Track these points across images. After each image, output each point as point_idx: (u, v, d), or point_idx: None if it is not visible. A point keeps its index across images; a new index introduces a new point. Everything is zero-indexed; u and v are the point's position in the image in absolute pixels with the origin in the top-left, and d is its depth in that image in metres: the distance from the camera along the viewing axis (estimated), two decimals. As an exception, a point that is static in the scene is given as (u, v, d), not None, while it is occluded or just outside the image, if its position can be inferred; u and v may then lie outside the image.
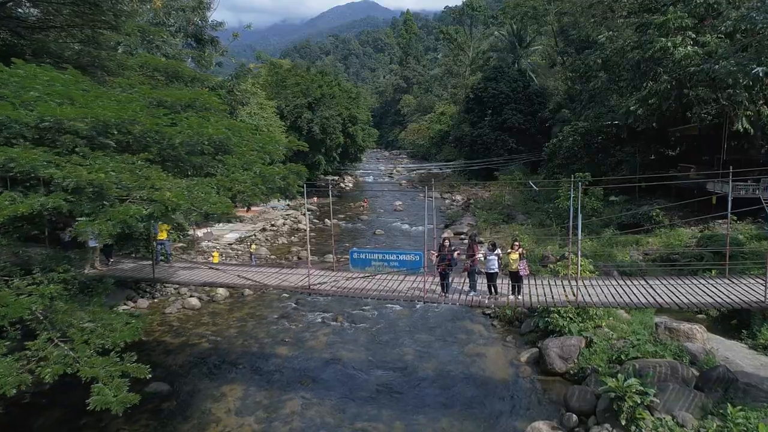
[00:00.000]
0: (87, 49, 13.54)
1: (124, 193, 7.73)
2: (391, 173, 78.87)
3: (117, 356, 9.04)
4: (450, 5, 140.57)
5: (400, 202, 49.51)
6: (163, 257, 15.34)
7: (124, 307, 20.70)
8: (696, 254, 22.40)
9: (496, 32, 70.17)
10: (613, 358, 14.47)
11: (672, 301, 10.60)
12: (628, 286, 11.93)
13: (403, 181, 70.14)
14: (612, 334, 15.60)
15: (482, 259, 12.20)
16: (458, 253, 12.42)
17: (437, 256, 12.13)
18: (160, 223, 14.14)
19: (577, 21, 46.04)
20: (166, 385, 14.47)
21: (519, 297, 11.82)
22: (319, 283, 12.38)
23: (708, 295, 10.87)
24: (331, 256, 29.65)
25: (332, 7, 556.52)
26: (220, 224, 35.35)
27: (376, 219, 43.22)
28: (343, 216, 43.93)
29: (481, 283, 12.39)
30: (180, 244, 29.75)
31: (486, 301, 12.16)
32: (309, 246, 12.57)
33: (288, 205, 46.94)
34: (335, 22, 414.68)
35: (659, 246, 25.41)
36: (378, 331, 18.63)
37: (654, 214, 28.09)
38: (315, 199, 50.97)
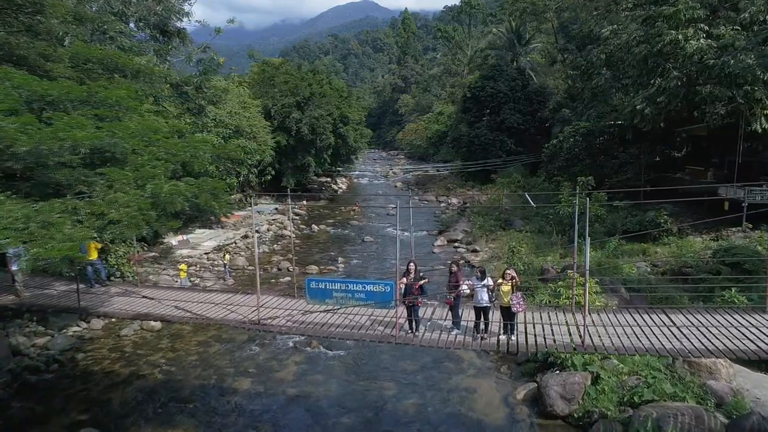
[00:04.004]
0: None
1: None
2: (387, 174, 76.86)
3: None
4: (449, 4, 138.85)
5: (394, 206, 47.32)
6: (97, 281, 13.21)
7: (76, 328, 18.61)
8: (711, 268, 20.28)
9: (494, 30, 68.02)
10: (624, 399, 12.36)
11: (704, 347, 8.46)
12: (647, 324, 9.77)
13: (399, 183, 68.14)
14: (622, 368, 13.46)
15: (467, 290, 10.06)
16: (419, 285, 10.21)
17: (404, 285, 10.01)
18: (88, 241, 12.03)
19: (578, 16, 44.04)
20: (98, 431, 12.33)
21: (512, 338, 9.69)
22: (270, 318, 10.28)
23: (747, 338, 8.72)
24: (314, 267, 27.61)
25: (332, 7, 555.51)
26: (199, 230, 33.29)
27: (367, 224, 41.05)
28: (332, 221, 41.77)
29: (467, 319, 10.25)
30: (152, 254, 27.68)
31: (472, 343, 9.99)
32: (258, 271, 10.42)
33: (276, 209, 44.85)
34: (335, 21, 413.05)
35: (669, 256, 23.27)
36: (356, 358, 16.48)
37: (662, 220, 25.95)
38: (304, 202, 48.94)
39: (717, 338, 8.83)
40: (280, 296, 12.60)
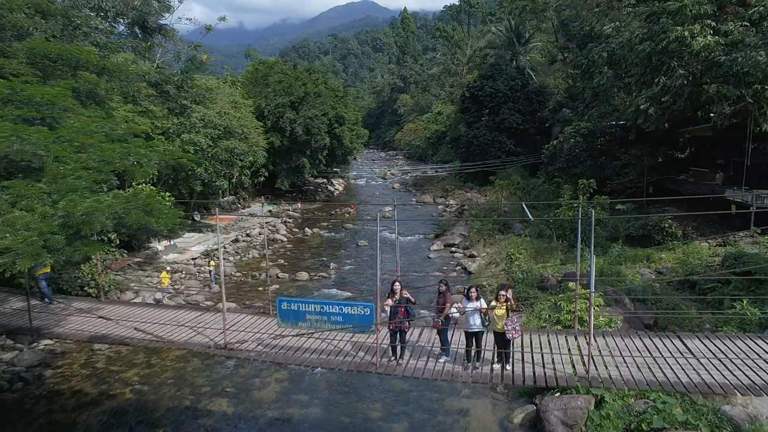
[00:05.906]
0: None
1: None
2: (385, 175, 75.90)
3: None
4: (448, 4, 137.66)
5: (390, 208, 46.28)
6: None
7: (48, 341, 17.51)
8: (719, 276, 19.22)
9: (493, 28, 66.96)
10: (632, 426, 11.27)
11: (726, 381, 7.43)
12: (659, 353, 8.71)
13: (396, 184, 67.16)
14: (629, 390, 12.39)
15: (456, 314, 9.00)
16: (404, 308, 9.11)
17: (390, 306, 8.93)
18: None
19: (578, 14, 42.99)
20: (56, 462, 11.29)
21: (507, 367, 8.64)
22: (238, 342, 9.23)
23: (774, 370, 7.68)
24: (304, 273, 26.57)
25: (332, 7, 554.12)
26: (188, 234, 32.21)
27: (362, 227, 39.99)
28: (326, 224, 40.71)
29: (458, 344, 9.18)
30: (137, 259, 26.62)
31: (462, 373, 8.92)
32: (224, 290, 9.37)
33: (269, 211, 43.77)
34: (334, 21, 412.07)
35: (674, 263, 22.22)
36: (341, 376, 15.37)
37: (666, 225, 24.90)
38: (299, 204, 47.96)
39: (740, 369, 7.80)
40: (254, 314, 11.54)
